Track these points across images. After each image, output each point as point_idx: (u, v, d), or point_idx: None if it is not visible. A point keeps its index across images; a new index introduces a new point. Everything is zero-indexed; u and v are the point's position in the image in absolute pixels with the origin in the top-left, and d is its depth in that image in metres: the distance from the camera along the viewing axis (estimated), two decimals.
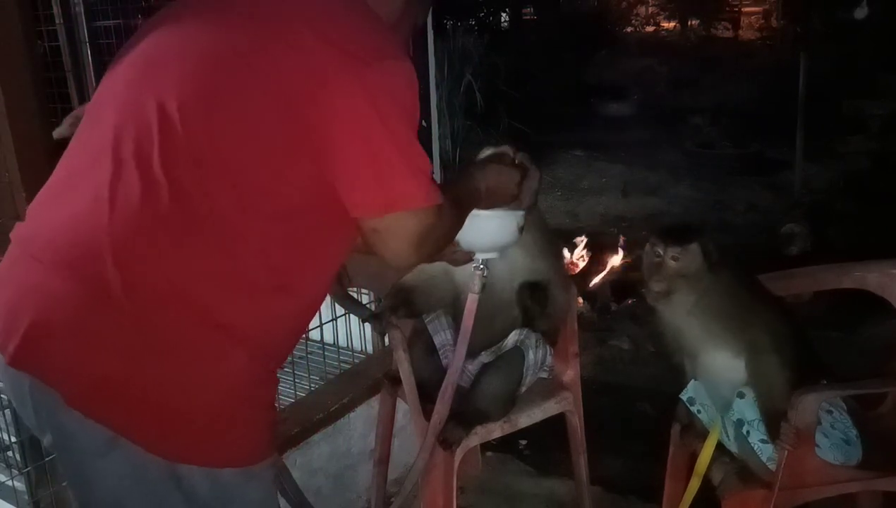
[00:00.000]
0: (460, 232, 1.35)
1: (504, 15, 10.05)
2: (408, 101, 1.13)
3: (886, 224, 4.07)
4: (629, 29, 11.92)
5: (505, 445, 2.49)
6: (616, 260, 4.20)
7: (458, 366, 1.63)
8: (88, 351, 1.03)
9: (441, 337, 1.97)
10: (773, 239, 4.40)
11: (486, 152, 1.59)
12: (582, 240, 4.34)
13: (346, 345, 2.53)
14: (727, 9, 12.26)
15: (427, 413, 1.82)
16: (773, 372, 1.67)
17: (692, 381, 1.85)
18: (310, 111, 1.06)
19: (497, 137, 6.07)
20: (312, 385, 2.39)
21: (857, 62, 7.35)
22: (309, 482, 2.11)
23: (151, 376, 1.03)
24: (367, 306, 2.23)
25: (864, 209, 4.68)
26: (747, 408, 1.69)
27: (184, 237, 1.04)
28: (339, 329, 2.51)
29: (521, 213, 1.52)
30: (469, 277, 1.64)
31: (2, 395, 1.74)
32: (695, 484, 1.79)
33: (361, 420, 2.32)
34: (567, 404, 1.99)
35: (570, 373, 2.02)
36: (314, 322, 2.21)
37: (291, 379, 2.34)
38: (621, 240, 4.34)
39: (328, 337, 2.49)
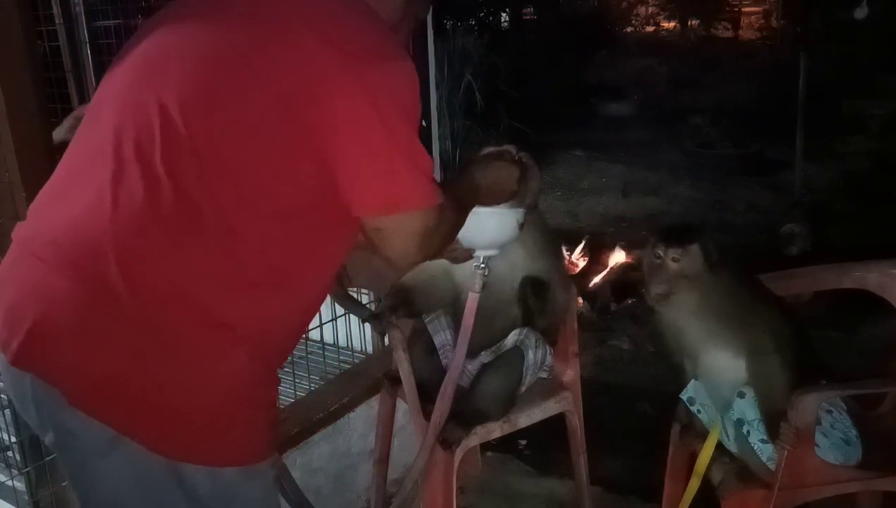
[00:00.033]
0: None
1: (504, 15, 10.04)
2: (408, 101, 1.13)
3: (886, 224, 4.07)
4: (629, 29, 11.91)
5: (505, 445, 2.49)
6: (616, 259, 4.19)
7: (458, 364, 1.63)
8: (90, 350, 1.03)
9: (441, 337, 1.97)
10: (773, 239, 4.40)
11: (487, 151, 1.59)
12: (582, 240, 4.34)
13: (346, 345, 2.53)
14: (727, 9, 12.26)
15: (427, 412, 1.82)
16: (773, 373, 1.67)
17: (692, 381, 1.85)
18: (310, 111, 1.06)
19: (497, 137, 6.06)
20: (312, 385, 2.40)
21: (857, 62, 7.35)
22: (309, 482, 2.11)
23: (153, 375, 1.03)
24: (367, 306, 2.23)
25: (864, 209, 4.68)
26: (748, 408, 1.69)
27: (185, 236, 1.05)
28: (339, 329, 2.51)
29: (520, 210, 1.52)
30: (469, 277, 1.64)
31: (2, 395, 1.75)
32: (694, 484, 1.79)
33: (361, 420, 2.32)
34: (567, 404, 1.99)
35: (570, 373, 2.02)
36: (314, 322, 2.21)
37: (291, 379, 2.34)
38: (621, 241, 4.34)
39: (328, 337, 2.49)
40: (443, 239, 1.26)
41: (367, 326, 2.46)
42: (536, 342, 1.88)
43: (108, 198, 1.04)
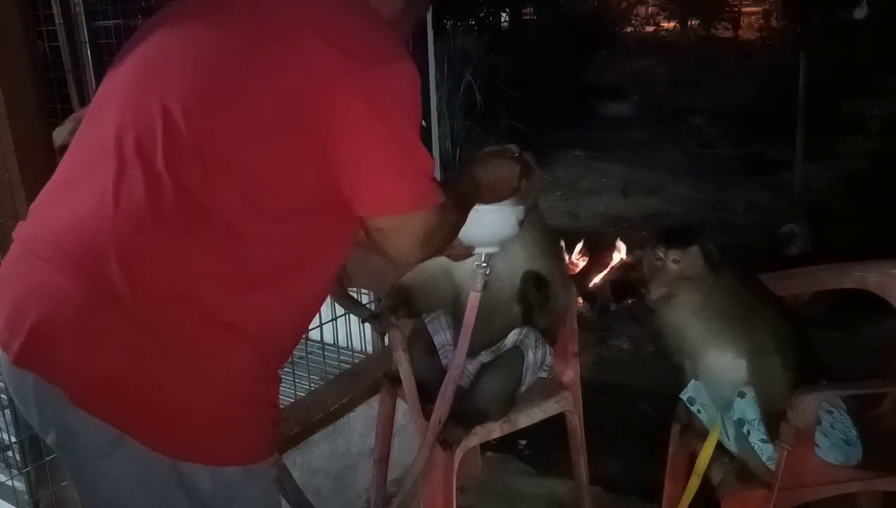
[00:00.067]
0: None
1: (504, 15, 10.04)
2: (409, 102, 1.13)
3: (886, 224, 4.07)
4: (629, 29, 11.91)
5: (505, 445, 2.49)
6: (616, 259, 4.19)
7: (459, 363, 1.63)
8: (91, 349, 1.03)
9: (441, 337, 1.97)
10: (773, 239, 4.40)
11: (488, 149, 1.60)
12: (581, 240, 4.34)
13: (346, 345, 2.53)
14: (727, 9, 12.27)
15: (427, 412, 1.82)
16: (774, 373, 1.67)
17: (692, 381, 1.85)
18: (311, 111, 1.06)
19: (497, 137, 6.06)
20: (312, 385, 2.40)
21: (857, 62, 7.35)
22: (309, 482, 2.11)
23: (154, 374, 1.03)
24: (367, 306, 2.23)
25: (864, 209, 4.68)
26: (748, 408, 1.69)
27: (186, 236, 1.05)
28: (339, 329, 2.51)
29: (520, 208, 1.52)
30: (469, 277, 1.64)
31: (2, 395, 1.75)
32: (694, 484, 1.79)
33: (361, 420, 2.32)
34: (567, 404, 1.99)
35: (570, 373, 2.02)
36: (314, 322, 2.21)
37: (291, 379, 2.34)
38: (620, 241, 4.34)
39: (328, 337, 2.49)
40: (444, 237, 1.27)
41: (367, 326, 2.46)
42: (536, 342, 1.88)
43: (109, 197, 1.04)
